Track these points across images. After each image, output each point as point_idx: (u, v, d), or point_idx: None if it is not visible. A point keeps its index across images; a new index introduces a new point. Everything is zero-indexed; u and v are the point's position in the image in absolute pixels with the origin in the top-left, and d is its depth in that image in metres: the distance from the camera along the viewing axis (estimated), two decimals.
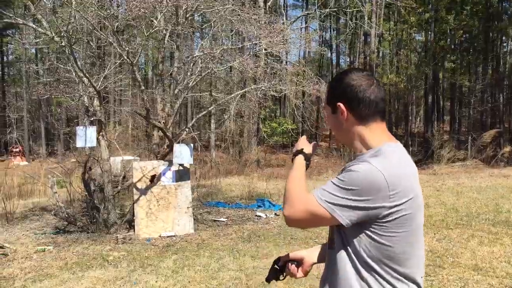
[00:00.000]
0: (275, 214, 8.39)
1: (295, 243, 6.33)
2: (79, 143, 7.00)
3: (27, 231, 7.88)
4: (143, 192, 7.16)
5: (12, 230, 8.03)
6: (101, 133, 7.52)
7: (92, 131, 6.98)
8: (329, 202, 1.43)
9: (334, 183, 1.45)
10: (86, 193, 7.54)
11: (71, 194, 8.71)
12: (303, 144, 1.74)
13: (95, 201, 7.48)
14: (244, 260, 5.47)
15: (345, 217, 1.41)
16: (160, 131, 7.32)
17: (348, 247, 1.47)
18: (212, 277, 4.87)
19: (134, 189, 7.18)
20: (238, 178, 14.74)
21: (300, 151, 1.70)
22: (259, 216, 8.24)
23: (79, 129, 6.99)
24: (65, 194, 9.14)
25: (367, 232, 1.43)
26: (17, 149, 25.02)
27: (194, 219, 7.81)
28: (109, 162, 7.52)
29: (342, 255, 1.49)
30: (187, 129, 7.58)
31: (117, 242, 6.71)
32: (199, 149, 7.88)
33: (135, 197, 7.13)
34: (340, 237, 1.50)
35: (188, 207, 7.29)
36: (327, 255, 1.61)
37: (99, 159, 7.52)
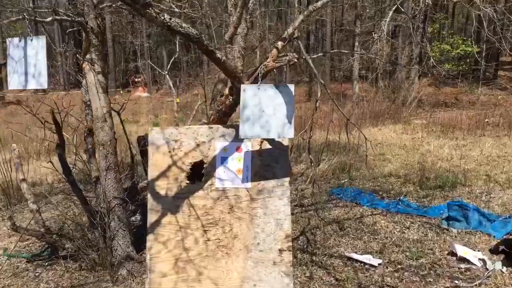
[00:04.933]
0: (503, 264, 3.34)
1: None
2: (12, 84, 2.83)
3: (11, 236, 4.40)
4: (169, 207, 2.83)
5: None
6: (88, 53, 3.32)
7: (40, 47, 2.74)
8: None
9: None
10: (72, 189, 3.54)
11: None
12: None
13: (92, 209, 3.48)
14: None
15: None
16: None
17: None
18: None
19: (149, 196, 2.88)
20: (394, 128, 9.64)
21: None
22: (464, 261, 3.36)
23: (12, 44, 2.80)
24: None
25: None
26: (139, 79, 23.09)
27: (295, 258, 3.38)
28: (107, 124, 3.33)
29: None
30: (280, 42, 2.85)
31: None
32: (311, 93, 3.00)
33: (151, 218, 2.85)
34: None
35: (281, 249, 2.79)
36: None
37: (92, 119, 3.39)
